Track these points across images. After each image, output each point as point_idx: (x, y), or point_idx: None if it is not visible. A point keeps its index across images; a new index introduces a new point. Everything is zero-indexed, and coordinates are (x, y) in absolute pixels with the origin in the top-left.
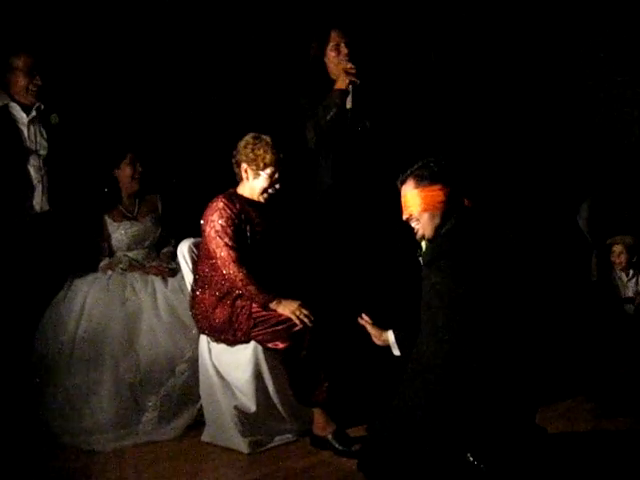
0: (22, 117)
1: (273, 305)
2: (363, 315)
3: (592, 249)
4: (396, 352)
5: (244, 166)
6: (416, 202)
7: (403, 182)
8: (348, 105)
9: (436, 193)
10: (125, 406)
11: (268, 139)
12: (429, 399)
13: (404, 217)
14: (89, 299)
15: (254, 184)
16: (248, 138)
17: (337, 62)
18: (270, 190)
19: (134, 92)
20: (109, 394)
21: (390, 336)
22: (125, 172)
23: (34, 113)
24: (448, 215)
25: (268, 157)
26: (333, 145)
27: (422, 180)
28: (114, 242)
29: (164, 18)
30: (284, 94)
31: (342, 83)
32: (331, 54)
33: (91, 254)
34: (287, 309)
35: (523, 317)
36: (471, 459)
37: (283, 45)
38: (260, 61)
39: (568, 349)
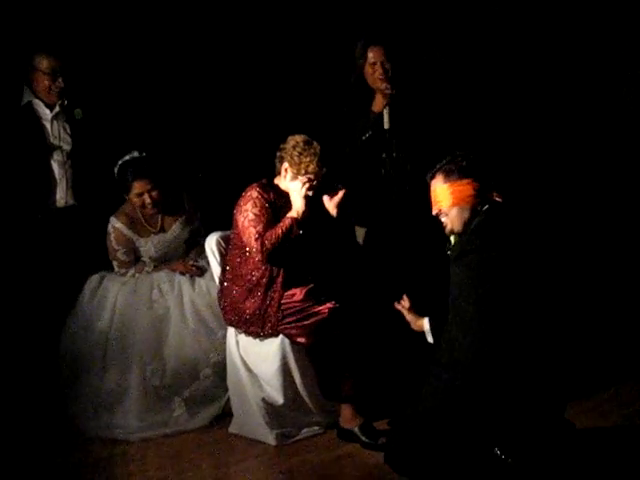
0: (45, 113)
1: (290, 216)
2: (403, 299)
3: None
4: (430, 339)
5: (285, 165)
6: (445, 197)
7: (432, 177)
8: (386, 126)
9: (465, 187)
10: (151, 409)
11: (318, 149)
12: (457, 392)
13: (434, 212)
14: (119, 302)
15: (289, 185)
16: (299, 139)
17: (372, 80)
18: (304, 180)
19: (159, 85)
20: (135, 397)
21: (426, 324)
22: (135, 203)
23: (57, 109)
24: (477, 210)
25: (312, 167)
26: (369, 159)
27: (451, 175)
28: (143, 255)
29: (184, 16)
30: (311, 89)
31: (379, 105)
32: (368, 71)
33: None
34: (295, 203)
35: (553, 311)
36: (498, 453)
37: (313, 44)
38: (287, 59)
39: (598, 341)
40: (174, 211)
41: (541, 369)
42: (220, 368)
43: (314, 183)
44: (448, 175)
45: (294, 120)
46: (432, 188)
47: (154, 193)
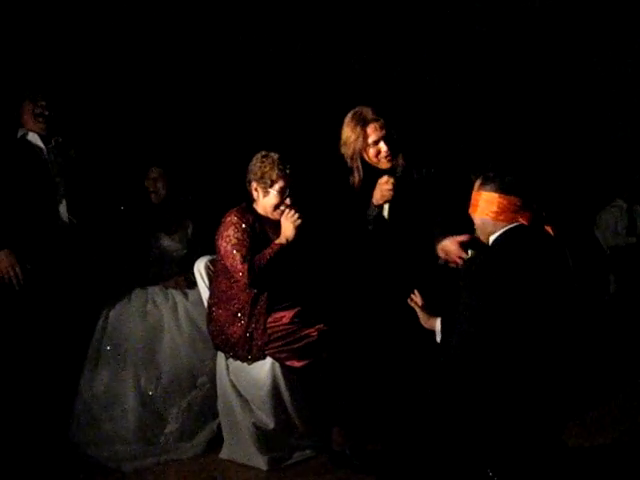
0: (40, 144)
1: (279, 242)
2: (415, 294)
3: (609, 260)
4: (439, 339)
5: (254, 185)
6: (475, 203)
7: (475, 177)
8: (386, 216)
9: (493, 201)
10: (147, 417)
11: (275, 156)
12: (449, 414)
13: (469, 212)
14: (112, 313)
15: (265, 202)
16: (257, 156)
17: (377, 161)
18: (282, 207)
19: (150, 109)
20: (131, 406)
21: (438, 324)
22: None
23: (53, 143)
24: (500, 226)
25: (275, 174)
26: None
27: (486, 184)
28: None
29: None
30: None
31: (380, 198)
32: (370, 151)
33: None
34: (286, 230)
35: (553, 334)
36: (491, 475)
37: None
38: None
39: (592, 360)
40: (182, 227)
41: (537, 391)
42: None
43: (287, 191)
44: (484, 183)
45: (280, 144)
46: (474, 188)
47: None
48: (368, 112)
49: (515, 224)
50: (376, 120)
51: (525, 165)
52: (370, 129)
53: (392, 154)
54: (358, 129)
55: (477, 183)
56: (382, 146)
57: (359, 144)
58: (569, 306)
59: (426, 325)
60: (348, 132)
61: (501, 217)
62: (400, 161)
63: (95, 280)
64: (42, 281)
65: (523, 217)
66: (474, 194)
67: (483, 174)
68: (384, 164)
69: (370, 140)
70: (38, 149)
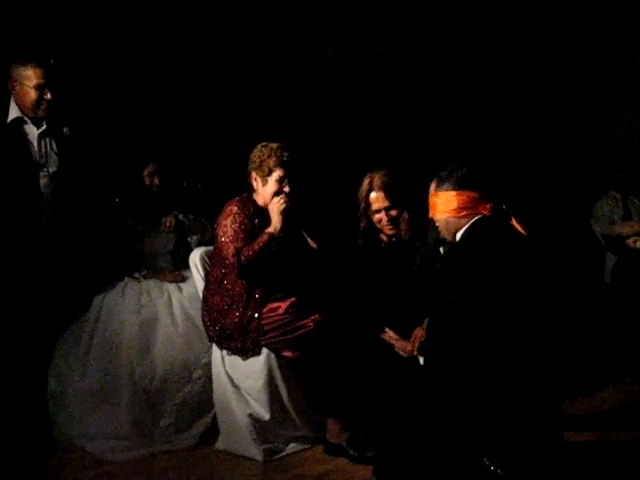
0: (32, 131)
1: (268, 232)
2: (387, 331)
3: (604, 251)
4: (422, 362)
5: (253, 174)
6: (434, 205)
7: (429, 181)
8: None
9: (452, 199)
10: (142, 412)
11: (274, 145)
12: (444, 404)
13: (430, 215)
14: (105, 305)
15: (264, 191)
16: (257, 146)
17: (380, 226)
18: (280, 195)
19: (150, 98)
20: (125, 400)
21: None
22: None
23: (44, 126)
24: (464, 222)
25: (272, 161)
26: None
27: (442, 184)
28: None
29: (171, 36)
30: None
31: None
32: (374, 217)
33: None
34: (272, 217)
35: (541, 323)
36: (487, 463)
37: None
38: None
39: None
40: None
41: (530, 379)
42: (211, 370)
43: (286, 180)
44: (439, 184)
45: (283, 134)
46: (429, 191)
47: (156, 179)
48: (378, 179)
49: (478, 216)
50: (380, 190)
51: (483, 158)
52: (373, 197)
53: (394, 225)
54: (365, 192)
55: (432, 186)
56: (383, 216)
57: (363, 206)
58: (545, 290)
59: (406, 353)
60: (360, 190)
61: (463, 213)
62: (404, 228)
63: (83, 273)
64: (26, 275)
65: (484, 208)
66: (431, 197)
67: (436, 176)
68: (386, 231)
69: (373, 208)
70: (28, 135)
